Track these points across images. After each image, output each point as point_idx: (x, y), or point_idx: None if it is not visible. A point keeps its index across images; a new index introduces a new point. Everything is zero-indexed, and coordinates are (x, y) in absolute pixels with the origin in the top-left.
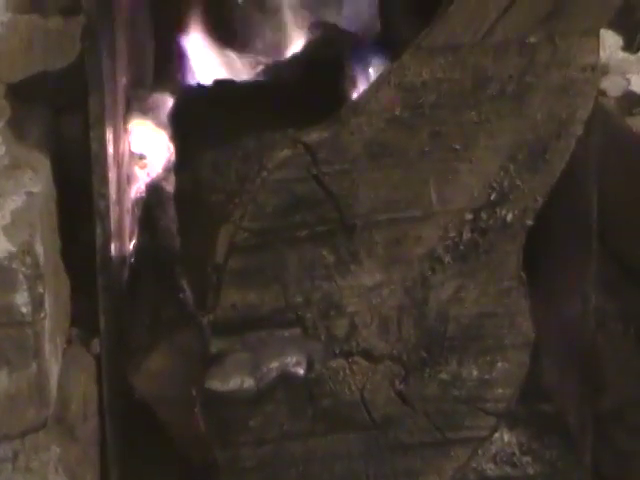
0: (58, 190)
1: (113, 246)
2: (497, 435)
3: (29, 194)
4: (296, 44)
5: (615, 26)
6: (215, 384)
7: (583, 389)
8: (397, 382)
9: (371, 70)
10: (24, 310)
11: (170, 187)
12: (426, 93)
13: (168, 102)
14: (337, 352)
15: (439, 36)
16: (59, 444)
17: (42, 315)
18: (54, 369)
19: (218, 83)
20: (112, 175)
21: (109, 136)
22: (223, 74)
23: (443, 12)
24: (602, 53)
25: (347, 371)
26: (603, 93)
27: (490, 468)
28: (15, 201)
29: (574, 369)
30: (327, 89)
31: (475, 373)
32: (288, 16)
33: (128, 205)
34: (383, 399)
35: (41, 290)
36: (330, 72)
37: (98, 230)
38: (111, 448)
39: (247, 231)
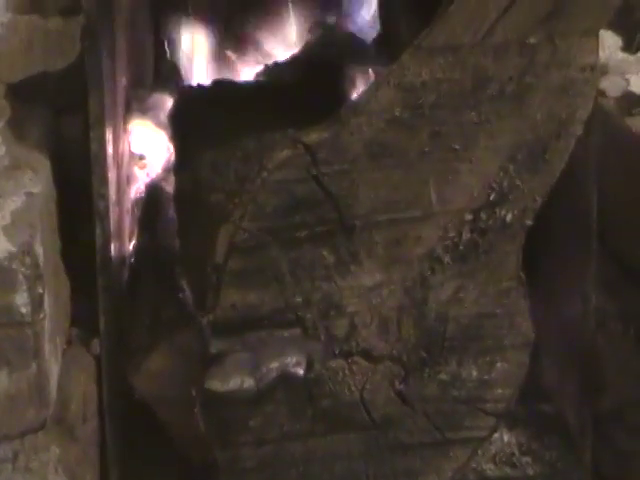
0: (58, 190)
1: (113, 246)
2: (497, 435)
3: (29, 194)
4: (296, 44)
5: (614, 26)
6: (215, 384)
7: (583, 389)
8: (397, 382)
9: (371, 70)
10: (24, 310)
11: (170, 187)
12: (426, 93)
13: (168, 102)
14: (337, 352)
15: (439, 36)
16: (59, 444)
17: (42, 315)
18: (54, 369)
19: (218, 83)
20: (112, 175)
21: (109, 136)
22: (223, 74)
23: (443, 12)
24: (601, 53)
25: (347, 371)
26: (602, 93)
27: (490, 468)
28: (15, 201)
29: (574, 369)
30: (327, 89)
31: (475, 373)
32: (288, 16)
33: (128, 205)
34: (383, 399)
35: (41, 290)
36: (330, 72)
37: (98, 230)
38: (111, 448)
39: (247, 231)
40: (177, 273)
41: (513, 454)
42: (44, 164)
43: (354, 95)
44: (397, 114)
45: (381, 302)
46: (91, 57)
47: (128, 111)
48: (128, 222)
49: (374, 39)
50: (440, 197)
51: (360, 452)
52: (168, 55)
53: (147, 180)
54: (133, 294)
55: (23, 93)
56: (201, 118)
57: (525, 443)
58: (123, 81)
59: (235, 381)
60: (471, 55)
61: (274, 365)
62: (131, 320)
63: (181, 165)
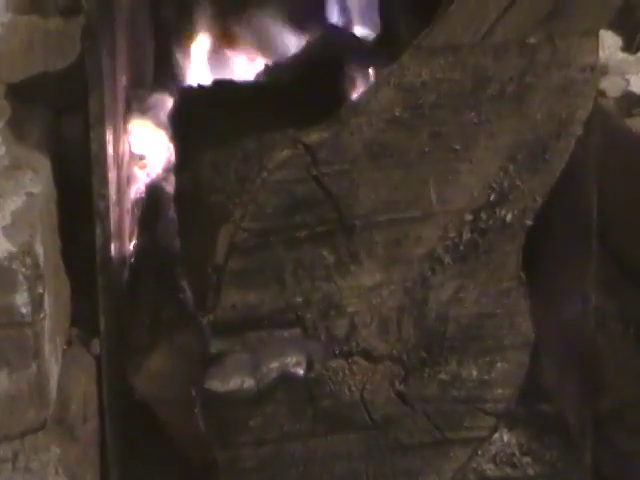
0: (58, 190)
1: (113, 246)
2: (497, 435)
3: (29, 195)
4: (296, 45)
5: (614, 27)
6: (215, 384)
7: (583, 389)
8: (397, 382)
9: (371, 70)
10: (24, 310)
11: (170, 187)
12: (426, 93)
13: (168, 102)
14: (337, 352)
15: (439, 36)
16: (59, 444)
17: (42, 315)
18: (54, 370)
19: (218, 83)
20: (112, 175)
21: (109, 136)
22: (223, 74)
23: (443, 12)
24: (601, 53)
25: (347, 371)
26: (602, 93)
27: (490, 468)
28: (15, 202)
29: (574, 369)
30: (327, 89)
31: (475, 373)
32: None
33: (128, 205)
34: (383, 399)
35: (41, 290)
36: (330, 72)
37: (98, 230)
38: (111, 448)
39: (247, 231)
40: (177, 273)
41: (513, 454)
42: (44, 164)
43: (354, 95)
44: (397, 114)
45: (381, 302)
46: (91, 57)
47: (128, 111)
48: (128, 222)
49: (374, 39)
50: (440, 197)
51: (360, 452)
52: (168, 55)
53: (147, 180)
54: (133, 294)
55: (23, 93)
56: (201, 118)
57: (525, 443)
58: (123, 81)
59: (235, 381)
60: (471, 55)
61: (274, 365)
62: (131, 320)
63: (181, 165)
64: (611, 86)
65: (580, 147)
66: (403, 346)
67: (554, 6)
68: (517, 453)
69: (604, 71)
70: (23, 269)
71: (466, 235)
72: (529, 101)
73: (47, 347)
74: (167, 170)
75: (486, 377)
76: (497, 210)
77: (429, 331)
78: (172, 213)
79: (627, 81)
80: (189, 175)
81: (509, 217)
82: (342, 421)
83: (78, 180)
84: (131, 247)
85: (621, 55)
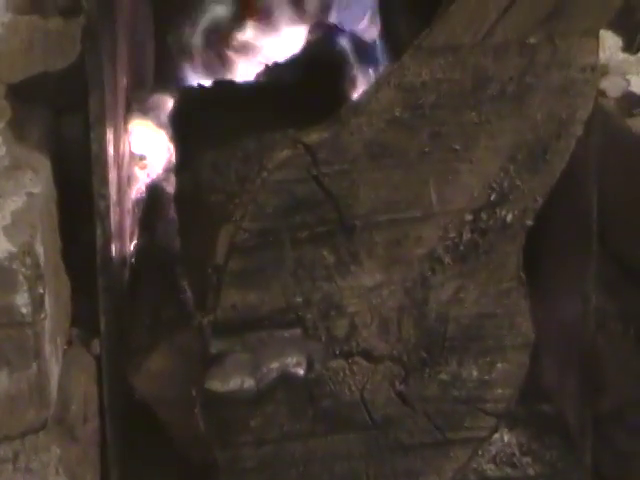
0: (58, 191)
1: (113, 247)
2: (497, 436)
3: (29, 195)
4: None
5: (615, 27)
6: (215, 384)
7: (583, 389)
8: (397, 382)
9: (371, 70)
10: (24, 311)
11: (170, 188)
12: (426, 94)
13: (168, 103)
14: (337, 352)
15: (439, 36)
16: (59, 445)
17: (42, 316)
18: (54, 370)
19: (218, 84)
20: (112, 176)
21: (109, 137)
22: (223, 75)
23: (443, 12)
24: (602, 54)
25: (347, 371)
26: (603, 94)
27: (490, 469)
28: (15, 202)
29: (574, 369)
30: (327, 90)
31: (475, 374)
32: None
33: (128, 206)
34: (383, 399)
35: (41, 291)
36: (330, 73)
37: (98, 231)
38: (111, 449)
39: (247, 232)
40: (177, 273)
41: (513, 454)
42: (44, 164)
43: (354, 95)
44: (397, 114)
45: (381, 302)
46: (91, 57)
47: (129, 111)
48: (129, 222)
49: (374, 39)
50: (440, 197)
51: (360, 452)
52: (169, 55)
53: (148, 180)
54: (133, 294)
55: (23, 93)
56: (201, 118)
57: (525, 443)
58: (124, 81)
59: (235, 381)
60: (471, 55)
61: (274, 365)
62: (131, 320)
63: (182, 165)
64: (611, 86)
65: (580, 147)
66: (403, 346)
67: (554, 6)
68: (517, 453)
69: (604, 71)
70: (23, 269)
71: (466, 235)
72: (529, 101)
73: (47, 347)
74: (167, 170)
75: (486, 377)
76: (497, 210)
77: (429, 331)
78: (172, 213)
79: (627, 81)
80: (189, 175)
81: (509, 217)
82: (342, 421)
83: (78, 180)
84: (131, 247)
85: (621, 55)
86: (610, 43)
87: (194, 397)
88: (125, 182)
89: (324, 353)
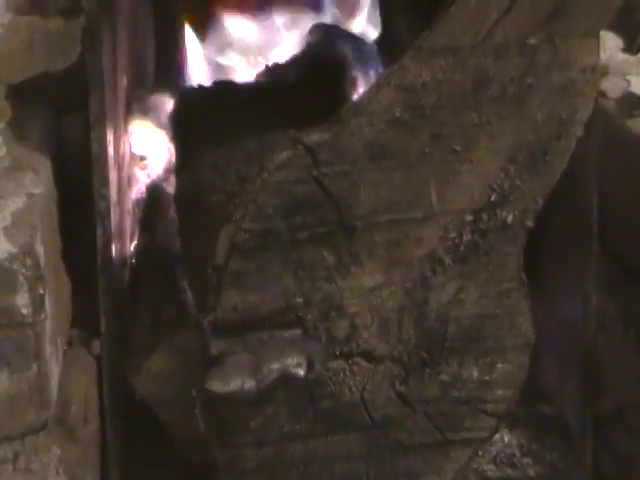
0: (59, 191)
1: (114, 247)
2: (497, 436)
3: (30, 195)
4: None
5: (615, 28)
6: (215, 385)
7: (583, 390)
8: (397, 383)
9: (371, 71)
10: (25, 311)
11: (170, 188)
12: (426, 94)
13: (168, 103)
14: (337, 353)
15: (439, 37)
16: (60, 445)
17: (43, 316)
18: (55, 370)
19: (218, 84)
20: (113, 176)
21: (110, 137)
22: (223, 75)
23: (443, 13)
24: (602, 54)
25: (347, 372)
26: (603, 94)
27: (490, 469)
28: (16, 202)
29: (574, 370)
30: (328, 90)
31: (475, 374)
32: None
33: (129, 206)
34: (383, 400)
35: (42, 291)
36: (331, 73)
37: (99, 231)
38: (112, 449)
39: (248, 232)
40: (178, 274)
41: (514, 455)
42: (45, 165)
43: (355, 96)
44: (398, 115)
45: (382, 303)
46: (92, 58)
47: (129, 112)
48: (129, 223)
49: (374, 39)
50: (441, 198)
51: (361, 453)
52: (169, 55)
53: (148, 181)
54: (134, 295)
55: (24, 94)
56: (202, 119)
57: (526, 444)
58: (124, 81)
59: (235, 382)
60: (472, 56)
61: (275, 366)
62: (132, 321)
63: (182, 166)
64: (612, 87)
65: (580, 148)
66: (403, 347)
67: (554, 7)
68: (518, 454)
69: (605, 72)
70: (24, 270)
71: (467, 236)
72: (530, 102)
73: (48, 348)
74: (168, 171)
75: (487, 378)
76: (498, 211)
77: (430, 332)
78: (173, 214)
79: (628, 82)
80: (189, 176)
81: (510, 218)
82: (342, 422)
83: (79, 180)
84: (132, 247)
85: (622, 56)
86: (610, 44)
87: (194, 398)
88: (125, 182)
89: (324, 354)
